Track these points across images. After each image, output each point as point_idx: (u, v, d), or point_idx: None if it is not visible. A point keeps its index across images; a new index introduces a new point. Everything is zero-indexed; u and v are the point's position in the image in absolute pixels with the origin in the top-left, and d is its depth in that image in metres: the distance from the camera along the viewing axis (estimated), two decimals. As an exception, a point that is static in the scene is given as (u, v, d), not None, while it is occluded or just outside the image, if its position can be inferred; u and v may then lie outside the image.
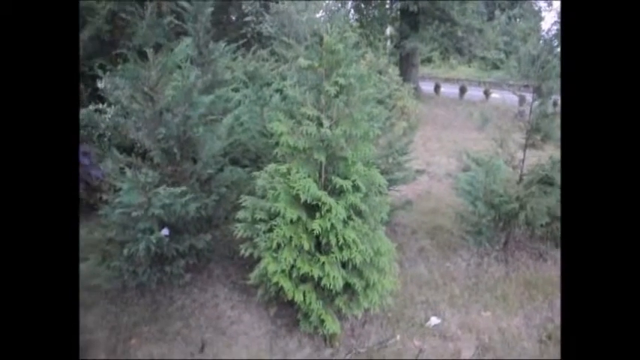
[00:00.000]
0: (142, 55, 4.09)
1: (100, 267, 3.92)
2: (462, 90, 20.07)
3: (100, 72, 7.80)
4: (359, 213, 3.35)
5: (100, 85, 9.21)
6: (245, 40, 10.25)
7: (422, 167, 6.21)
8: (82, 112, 7.63)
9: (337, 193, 3.33)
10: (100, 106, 8.31)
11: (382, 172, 4.00)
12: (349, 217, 3.27)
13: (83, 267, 4.38)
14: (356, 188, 3.31)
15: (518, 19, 28.48)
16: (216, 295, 4.00)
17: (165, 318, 3.74)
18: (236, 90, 6.09)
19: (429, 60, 32.19)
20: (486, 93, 18.89)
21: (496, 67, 27.94)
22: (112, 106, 7.60)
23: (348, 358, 3.33)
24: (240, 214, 3.51)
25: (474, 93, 20.05)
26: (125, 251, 3.64)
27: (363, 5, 21.11)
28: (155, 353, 3.36)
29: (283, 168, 3.34)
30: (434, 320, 3.73)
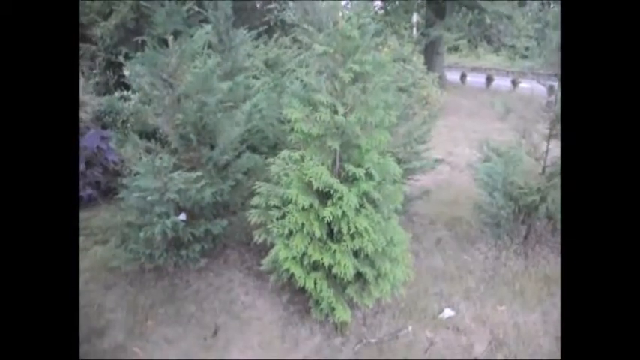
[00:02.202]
0: (163, 42, 4.13)
1: (119, 249, 4.02)
2: (489, 79, 19.54)
3: (124, 59, 7.96)
4: (372, 201, 3.31)
5: (125, 72, 9.39)
6: (267, 27, 10.21)
7: (443, 157, 6.09)
8: (107, 98, 7.82)
9: (350, 181, 3.29)
10: (125, 93, 8.50)
11: (400, 161, 3.94)
12: (362, 206, 3.24)
13: (104, 249, 4.55)
14: (369, 176, 3.26)
15: (552, 4, 27.38)
16: (231, 280, 4.05)
17: (181, 301, 3.82)
18: (255, 77, 6.09)
19: (455, 48, 31.43)
20: (514, 82, 18.32)
21: (525, 56, 27.01)
22: (136, 93, 7.76)
23: (358, 347, 3.32)
24: (255, 200, 3.52)
25: (502, 82, 19.49)
26: (142, 234, 3.72)
27: (388, -8, 20.73)
28: (170, 335, 3.44)
29: (296, 155, 3.33)
30: (447, 312, 3.67)
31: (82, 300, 3.88)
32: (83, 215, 5.75)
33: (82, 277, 4.24)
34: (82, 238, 5.08)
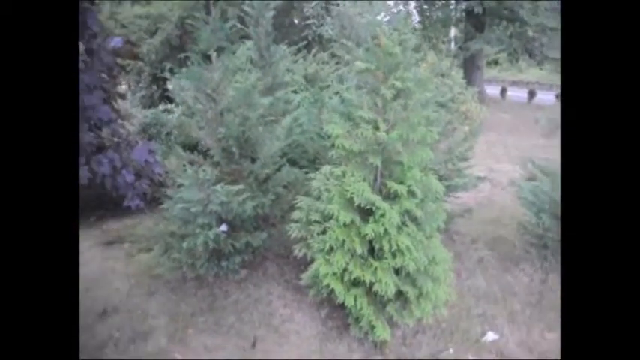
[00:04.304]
0: (206, 58, 4.29)
1: (162, 257, 4.15)
2: (531, 94, 19.02)
3: (168, 74, 8.30)
4: (414, 219, 3.27)
5: (169, 86, 9.77)
6: (306, 42, 10.40)
7: (484, 174, 5.95)
8: (152, 111, 8.15)
9: (392, 198, 3.27)
10: (168, 106, 8.84)
11: (441, 179, 3.88)
12: (404, 223, 3.20)
13: (148, 257, 4.70)
14: (411, 194, 3.23)
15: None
16: (269, 293, 4.08)
17: (220, 311, 3.87)
18: (295, 92, 6.19)
19: (495, 62, 30.85)
20: (558, 97, 17.75)
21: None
22: (179, 107, 8.06)
23: (397, 366, 3.26)
24: (295, 215, 3.55)
25: (545, 97, 18.91)
26: (185, 244, 3.82)
27: (425, 6, 20.64)
28: (209, 344, 3.49)
29: (338, 170, 3.34)
30: (491, 335, 3.55)
31: (128, 304, 4.03)
32: (128, 223, 5.99)
33: (127, 283, 4.40)
34: (127, 245, 5.29)
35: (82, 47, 3.75)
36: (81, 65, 3.55)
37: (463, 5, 19.03)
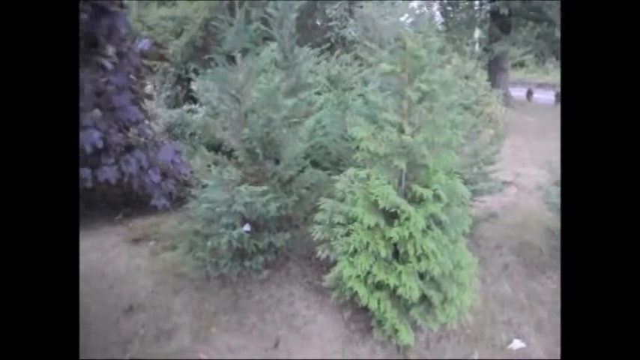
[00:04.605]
0: (231, 60, 4.33)
1: (187, 256, 4.21)
2: (558, 96, 18.55)
3: (193, 75, 8.43)
4: (439, 223, 3.23)
5: (193, 87, 9.92)
6: (329, 44, 10.41)
7: (510, 178, 5.84)
8: (177, 111, 8.30)
9: (417, 201, 3.24)
10: (193, 106, 8.98)
11: (466, 182, 3.83)
12: (429, 227, 3.17)
13: (173, 255, 4.77)
14: (437, 198, 3.19)
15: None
16: (292, 294, 4.10)
17: (243, 310, 3.91)
18: (319, 93, 6.20)
19: (521, 64, 30.20)
20: (586, 100, 17.24)
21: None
22: (203, 107, 8.18)
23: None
24: (319, 216, 3.56)
25: (572, 99, 18.38)
26: (209, 243, 3.87)
27: (449, 8, 20.38)
28: (232, 343, 3.53)
29: (363, 173, 3.32)
30: (517, 344, 3.47)
31: (153, 302, 4.10)
32: (153, 221, 6.10)
33: (152, 280, 4.48)
34: (151, 243, 5.38)
35: (111, 50, 3.85)
36: (110, 67, 3.64)
37: (488, 6, 18.72)
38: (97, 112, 3.42)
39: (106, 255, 5.10)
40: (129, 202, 6.38)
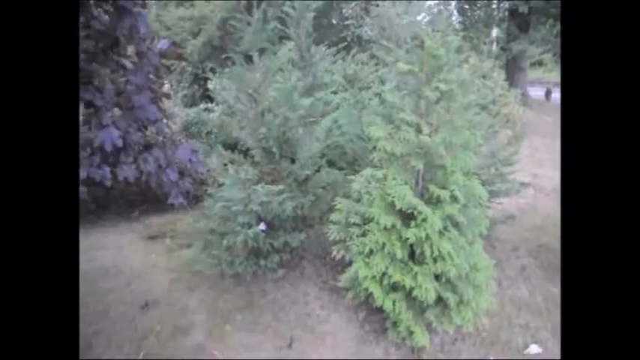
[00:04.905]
0: (248, 59, 4.35)
1: (202, 254, 4.24)
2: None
3: (210, 74, 8.49)
4: (456, 225, 3.20)
5: (209, 86, 9.99)
6: (345, 43, 10.38)
7: (527, 179, 5.75)
8: (194, 110, 8.38)
9: (434, 202, 3.21)
10: (209, 105, 9.06)
11: (483, 183, 3.78)
12: (445, 229, 3.14)
13: (188, 252, 4.81)
14: (454, 199, 3.16)
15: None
16: (306, 293, 4.10)
17: (258, 309, 3.93)
18: (335, 93, 6.19)
19: (539, 63, 29.65)
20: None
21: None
22: (219, 106, 8.24)
23: (435, 374, 3.20)
24: (335, 216, 3.55)
25: (592, 99, 17.99)
26: (225, 242, 3.89)
27: (467, 6, 20.14)
28: (247, 342, 3.55)
29: (379, 173, 3.31)
30: (534, 348, 3.42)
31: (168, 299, 4.15)
32: (168, 218, 6.17)
33: (168, 277, 4.53)
34: (167, 240, 5.45)
35: (132, 49, 3.90)
36: (130, 66, 3.70)
37: (506, 5, 18.43)
38: (116, 111, 3.47)
39: (122, 251, 5.18)
40: (145, 199, 6.46)
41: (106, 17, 3.14)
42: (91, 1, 2.93)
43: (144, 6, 3.25)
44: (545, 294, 4.14)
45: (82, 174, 2.77)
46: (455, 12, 20.48)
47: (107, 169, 3.10)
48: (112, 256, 5.03)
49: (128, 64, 3.30)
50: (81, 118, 3.68)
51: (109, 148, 2.91)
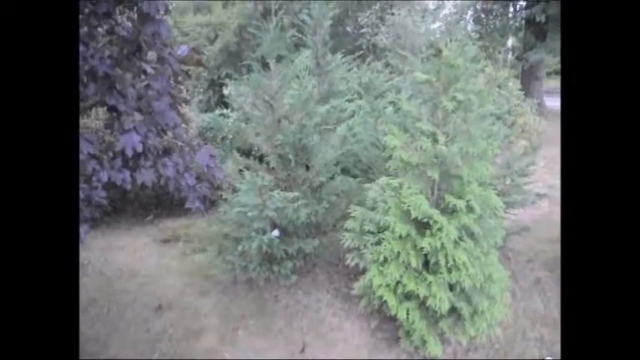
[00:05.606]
0: (265, 66, 4.41)
1: (216, 259, 4.28)
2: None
3: (226, 80, 8.59)
4: (471, 235, 3.19)
5: (225, 91, 10.09)
6: (361, 51, 10.45)
7: (543, 190, 5.67)
8: (210, 115, 8.47)
9: (449, 212, 3.21)
10: (225, 111, 9.16)
11: (499, 194, 3.76)
12: (460, 238, 3.13)
13: (202, 257, 4.85)
14: (470, 209, 3.15)
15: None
16: (319, 300, 4.11)
17: (270, 315, 3.94)
18: (350, 101, 6.22)
19: (556, 73, 29.35)
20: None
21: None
22: (235, 112, 8.33)
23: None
24: (349, 224, 3.56)
25: (609, 110, 17.74)
26: (239, 247, 3.93)
27: (483, 15, 20.08)
28: (258, 346, 3.57)
29: (395, 182, 3.31)
30: (549, 361, 3.38)
31: (181, 302, 4.19)
32: (182, 222, 6.24)
33: (181, 281, 4.58)
34: (180, 244, 5.51)
35: (153, 55, 3.98)
36: (151, 72, 3.77)
37: (523, 14, 18.33)
38: (137, 116, 3.53)
39: (137, 254, 5.25)
40: (160, 203, 6.55)
41: (129, 24, 3.21)
42: (116, 9, 3.01)
43: (167, 12, 3.31)
44: (560, 307, 4.08)
45: (104, 177, 2.83)
46: (471, 21, 20.43)
47: (127, 172, 3.16)
48: (127, 258, 5.11)
49: (149, 69, 3.37)
50: (103, 122, 3.73)
51: (129, 152, 2.96)
